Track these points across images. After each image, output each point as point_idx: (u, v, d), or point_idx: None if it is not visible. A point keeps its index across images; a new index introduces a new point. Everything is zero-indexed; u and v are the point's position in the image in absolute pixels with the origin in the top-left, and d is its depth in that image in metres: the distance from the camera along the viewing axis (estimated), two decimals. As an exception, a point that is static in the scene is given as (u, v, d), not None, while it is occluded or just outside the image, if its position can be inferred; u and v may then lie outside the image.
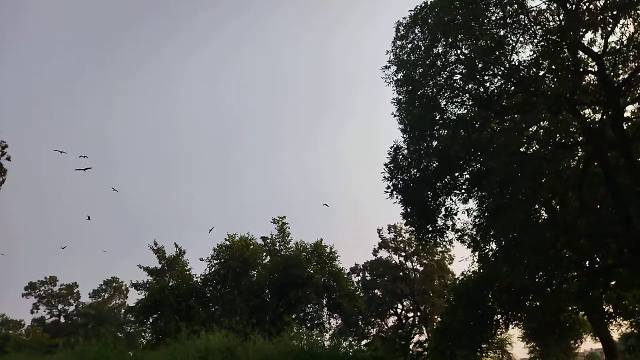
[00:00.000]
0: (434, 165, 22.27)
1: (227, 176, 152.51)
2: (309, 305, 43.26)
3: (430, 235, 24.11)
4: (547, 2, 19.69)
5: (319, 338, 19.87)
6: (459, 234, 24.64)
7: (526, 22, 19.76)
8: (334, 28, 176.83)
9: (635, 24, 19.05)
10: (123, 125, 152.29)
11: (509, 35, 20.00)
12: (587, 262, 24.88)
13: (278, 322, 34.25)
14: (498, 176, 20.81)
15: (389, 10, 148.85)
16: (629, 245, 19.82)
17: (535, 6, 19.92)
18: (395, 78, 22.52)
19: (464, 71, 21.23)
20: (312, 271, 40.68)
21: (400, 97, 22.70)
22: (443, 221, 23.69)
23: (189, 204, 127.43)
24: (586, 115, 22.35)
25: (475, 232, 24.57)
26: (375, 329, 57.58)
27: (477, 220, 24.10)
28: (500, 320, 27.93)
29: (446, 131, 22.11)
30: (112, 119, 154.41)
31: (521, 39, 20.15)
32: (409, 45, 21.98)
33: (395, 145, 23.29)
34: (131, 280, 50.94)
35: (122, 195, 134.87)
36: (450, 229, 23.89)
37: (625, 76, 20.21)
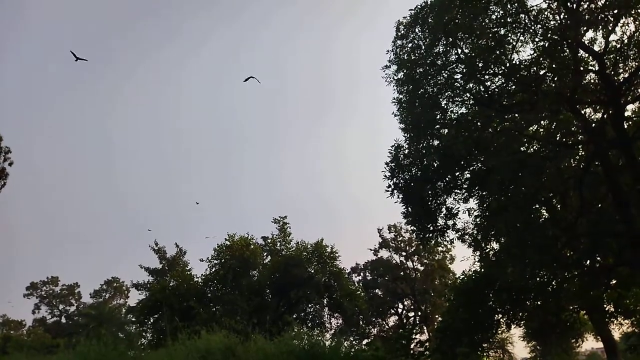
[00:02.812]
0: (435, 164, 22.24)
1: (228, 176, 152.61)
2: (309, 305, 43.27)
3: (431, 234, 24.10)
4: (547, 1, 19.67)
5: (319, 338, 19.86)
6: (460, 233, 24.66)
7: (526, 21, 19.74)
8: (334, 28, 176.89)
9: (636, 22, 19.00)
10: (124, 126, 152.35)
11: (510, 35, 19.98)
12: (588, 261, 24.86)
13: (279, 322, 34.20)
14: (499, 175, 20.80)
15: (389, 10, 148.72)
16: (630, 244, 19.80)
17: (536, 5, 19.91)
18: (395, 77, 22.49)
19: (464, 70, 21.21)
20: (312, 271, 40.70)
21: (400, 96, 22.67)
22: (444, 221, 23.68)
23: (190, 204, 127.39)
24: (587, 115, 22.34)
25: (476, 232, 24.57)
26: (376, 329, 57.55)
27: (478, 219, 24.10)
28: (501, 320, 27.90)
29: (447, 130, 22.11)
30: (113, 119, 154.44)
31: (521, 38, 20.14)
32: (410, 45, 21.95)
33: (396, 144, 23.27)
34: (132, 280, 51.03)
35: (123, 195, 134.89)
36: (451, 229, 23.89)
37: (626, 75, 20.17)
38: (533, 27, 19.75)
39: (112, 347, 16.94)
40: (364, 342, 46.51)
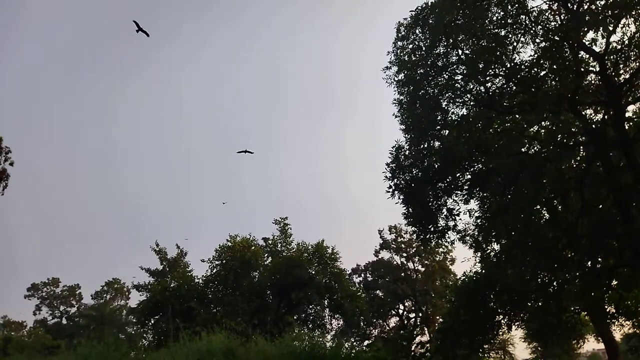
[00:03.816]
0: (436, 165, 22.24)
1: (229, 176, 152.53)
2: (310, 306, 43.33)
3: (431, 235, 24.07)
4: (548, 2, 19.68)
5: (320, 339, 19.92)
6: (461, 234, 24.61)
7: (527, 22, 19.76)
8: (334, 28, 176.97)
9: (637, 23, 19.02)
10: (124, 126, 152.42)
11: (510, 35, 20.00)
12: (589, 262, 24.81)
13: (280, 323, 34.25)
14: (500, 176, 20.80)
15: (390, 10, 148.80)
16: (631, 245, 19.79)
17: (536, 6, 19.93)
18: (396, 79, 22.53)
19: (465, 71, 21.23)
20: (313, 272, 40.73)
21: (401, 97, 22.70)
22: (445, 222, 23.64)
23: (191, 205, 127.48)
24: (588, 116, 22.34)
25: (476, 233, 24.51)
26: (377, 330, 57.57)
27: (478, 220, 24.05)
28: (502, 321, 27.86)
29: (448, 131, 22.11)
30: (113, 120, 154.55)
31: (522, 39, 20.15)
32: (410, 46, 21.99)
33: (397, 145, 23.27)
34: (132, 281, 51.02)
35: (124, 196, 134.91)
36: (451, 230, 23.84)
37: (627, 76, 20.18)
38: (534, 28, 19.77)
39: (113, 348, 16.96)
40: (365, 343, 46.57)
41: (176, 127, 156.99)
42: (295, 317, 40.00)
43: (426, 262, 57.44)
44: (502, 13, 19.70)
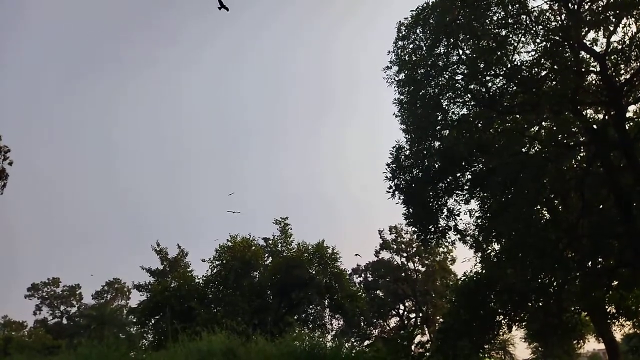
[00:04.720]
0: (436, 165, 22.25)
1: (229, 176, 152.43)
2: (310, 306, 43.30)
3: (432, 235, 24.07)
4: (548, 2, 19.68)
5: (321, 339, 19.93)
6: (461, 234, 24.60)
7: (528, 22, 19.77)
8: (334, 28, 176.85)
9: (638, 23, 19.01)
10: (125, 126, 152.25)
11: (511, 35, 20.02)
12: (590, 263, 24.81)
13: (280, 323, 34.24)
14: (500, 176, 20.78)
15: (390, 11, 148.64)
16: (631, 246, 19.78)
17: (537, 6, 19.94)
18: (397, 78, 22.55)
19: (465, 71, 21.25)
20: (314, 272, 40.73)
21: (402, 97, 22.71)
22: (445, 222, 23.65)
23: (192, 205, 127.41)
24: (588, 116, 22.35)
25: (477, 233, 24.51)
26: (377, 330, 57.58)
27: (479, 220, 24.04)
28: (503, 321, 27.86)
29: (448, 131, 22.12)
30: (114, 119, 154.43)
31: (523, 39, 20.17)
32: (411, 46, 22.02)
33: (397, 145, 23.30)
34: (133, 281, 51.03)
35: (124, 197, 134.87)
36: (452, 230, 23.85)
37: (628, 76, 20.16)
38: (534, 28, 19.77)
39: (114, 348, 16.98)
40: (365, 343, 46.56)
41: (176, 127, 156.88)
42: (295, 317, 39.94)
43: (426, 262, 57.43)
44: (502, 13, 19.71)
